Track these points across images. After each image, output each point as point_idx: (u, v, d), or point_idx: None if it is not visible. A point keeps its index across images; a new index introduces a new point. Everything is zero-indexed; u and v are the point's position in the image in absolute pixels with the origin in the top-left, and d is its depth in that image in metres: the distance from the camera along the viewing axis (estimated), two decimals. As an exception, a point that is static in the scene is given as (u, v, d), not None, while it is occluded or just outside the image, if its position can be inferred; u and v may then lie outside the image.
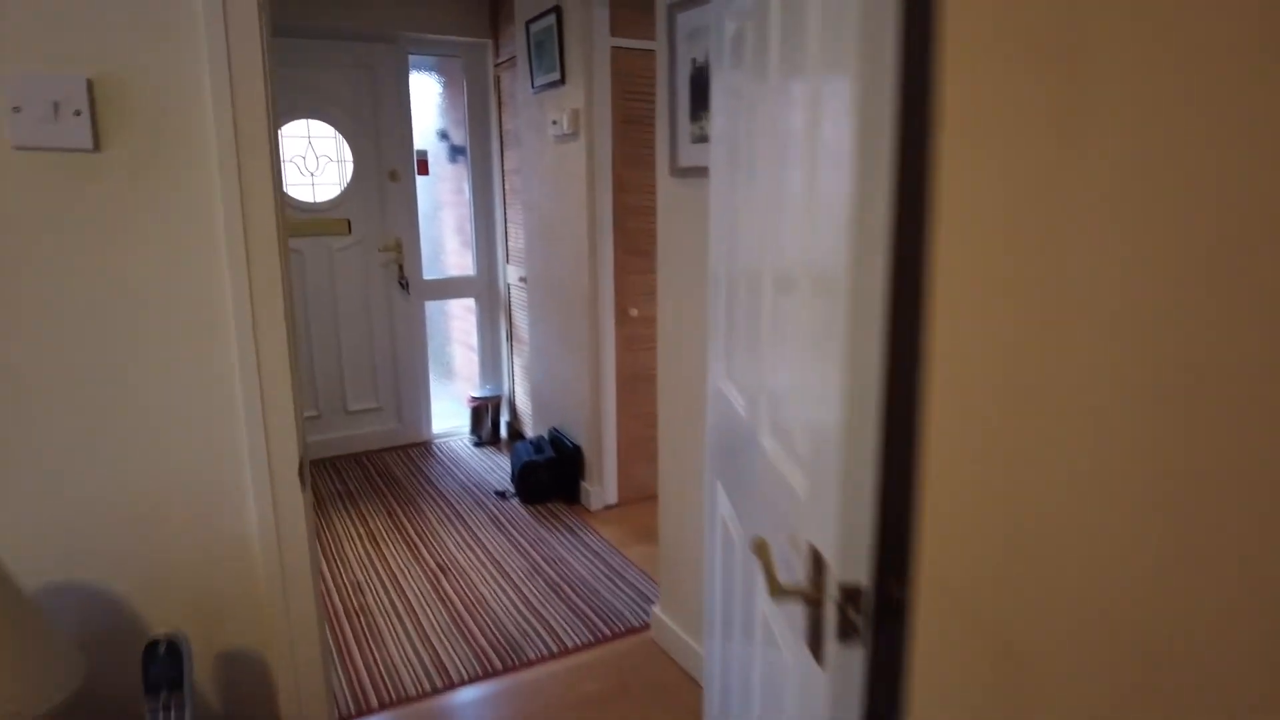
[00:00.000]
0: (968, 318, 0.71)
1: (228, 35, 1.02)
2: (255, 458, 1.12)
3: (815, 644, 0.88)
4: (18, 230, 0.96)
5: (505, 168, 4.09)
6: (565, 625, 2.49)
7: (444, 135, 4.24)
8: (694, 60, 1.92)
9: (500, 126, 4.08)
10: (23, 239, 0.96)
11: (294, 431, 1.15)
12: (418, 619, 2.55)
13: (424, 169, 4.14)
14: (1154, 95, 0.51)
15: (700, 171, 1.96)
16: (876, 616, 0.84)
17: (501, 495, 3.52)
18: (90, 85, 0.97)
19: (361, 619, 2.56)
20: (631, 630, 2.47)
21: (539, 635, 2.44)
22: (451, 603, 2.64)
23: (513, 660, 2.32)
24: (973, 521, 0.72)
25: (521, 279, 3.97)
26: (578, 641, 2.41)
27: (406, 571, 2.86)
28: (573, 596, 2.67)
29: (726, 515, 1.45)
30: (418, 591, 2.72)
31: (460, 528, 3.20)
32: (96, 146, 0.99)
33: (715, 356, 1.52)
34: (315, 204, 3.84)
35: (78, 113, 0.96)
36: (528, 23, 3.35)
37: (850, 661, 0.83)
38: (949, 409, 0.75)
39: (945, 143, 0.71)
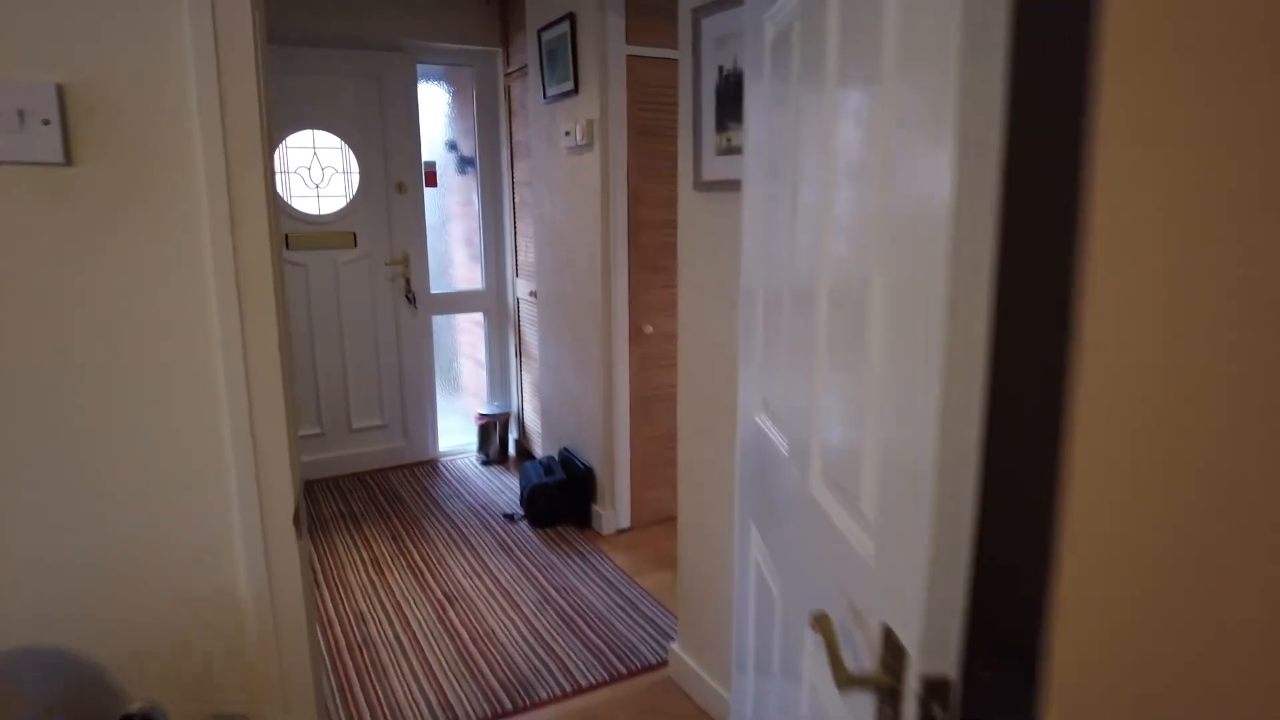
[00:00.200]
0: (1134, 346, 0.59)
1: (216, 39, 0.91)
2: (245, 507, 1.00)
3: (890, 741, 0.76)
4: (-17, 253, 0.86)
5: (515, 179, 3.99)
6: (579, 661, 2.36)
7: (453, 146, 4.14)
8: (720, 68, 1.81)
9: (511, 137, 3.98)
10: (-11, 262, 0.86)
11: (289, 475, 1.04)
12: (423, 653, 2.42)
13: (432, 181, 4.04)
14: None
15: (726, 185, 1.85)
16: (966, 711, 0.72)
17: (510, 518, 3.40)
18: (61, 92, 0.86)
19: (364, 653, 2.43)
20: (648, 667, 2.34)
21: (551, 673, 2.31)
22: (459, 636, 2.51)
23: (524, 700, 2.19)
24: (1143, 605, 0.59)
25: (531, 293, 3.86)
26: (592, 680, 2.28)
27: (411, 601, 2.74)
28: (586, 630, 2.54)
29: (762, 561, 1.32)
30: (423, 623, 2.59)
31: (467, 553, 3.08)
32: (69, 160, 0.88)
33: (748, 384, 1.40)
34: (320, 216, 3.74)
35: (46, 122, 0.86)
36: (540, 30, 3.26)
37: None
38: (1109, 454, 0.62)
39: (1105, 149, 0.59)
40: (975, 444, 0.66)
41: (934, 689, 0.70)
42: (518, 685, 2.25)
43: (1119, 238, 0.57)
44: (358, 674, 2.32)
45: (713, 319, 2.00)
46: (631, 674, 2.31)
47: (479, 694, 2.22)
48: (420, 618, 2.62)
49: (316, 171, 3.73)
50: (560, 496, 3.29)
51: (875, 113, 0.78)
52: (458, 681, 2.27)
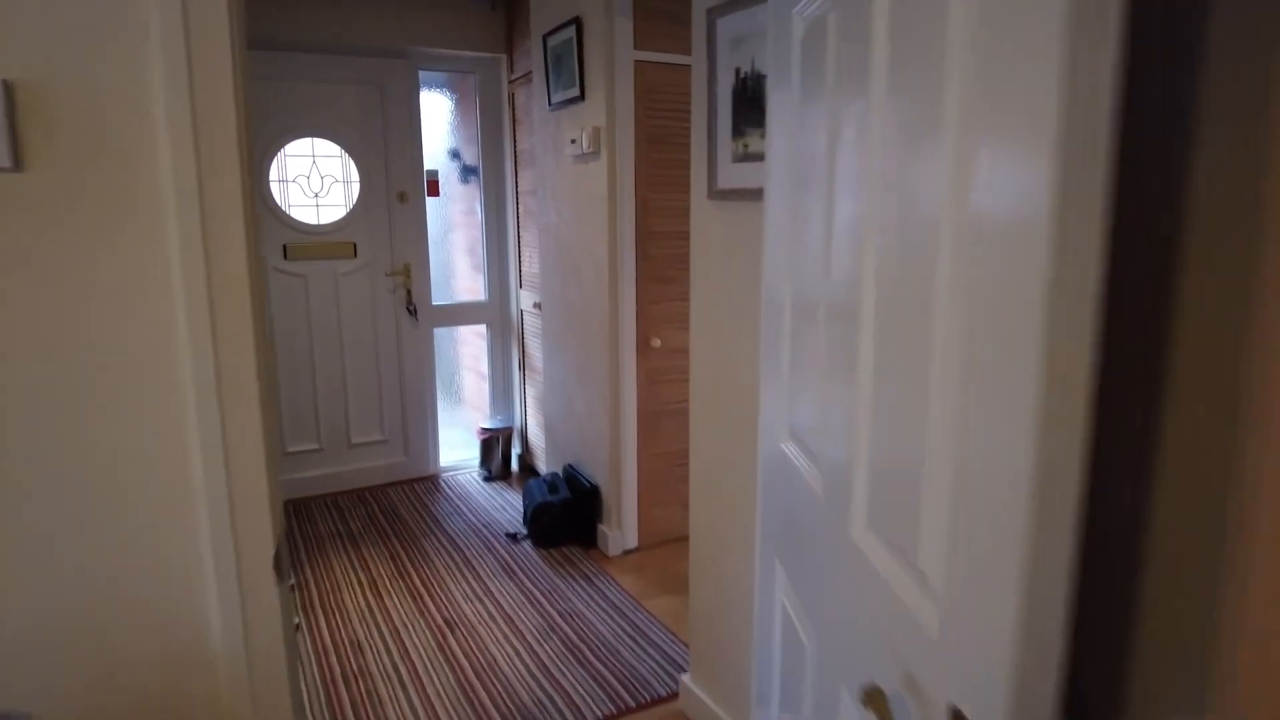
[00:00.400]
0: None
1: (187, 30, 0.81)
2: (219, 553, 0.89)
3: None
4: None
5: (519, 188, 3.89)
6: (584, 694, 2.25)
7: (455, 154, 4.05)
8: (738, 71, 1.71)
9: (514, 145, 3.89)
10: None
11: (268, 516, 0.93)
12: (422, 685, 2.30)
13: (434, 190, 3.95)
14: None
15: (743, 194, 1.75)
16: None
17: (513, 538, 3.28)
18: (9, 89, 0.76)
19: (360, 684, 2.32)
20: (658, 700, 2.22)
21: (556, 707, 2.19)
22: (459, 665, 2.40)
23: (527, 737, 2.07)
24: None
25: (535, 305, 3.75)
26: (599, 714, 2.16)
27: (410, 627, 2.62)
28: (592, 659, 2.42)
29: (790, 606, 1.21)
30: (422, 651, 2.48)
31: (469, 575, 2.97)
32: (17, 165, 0.78)
33: (772, 407, 1.29)
34: (320, 226, 3.65)
35: (-6, 123, 0.76)
36: (545, 36, 3.17)
37: None
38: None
39: None
40: (1075, 494, 0.55)
41: (1019, 791, 0.59)
42: (521, 720, 2.14)
43: None
44: (353, 707, 2.21)
45: (727, 334, 1.89)
46: (640, 707, 2.20)
47: (480, 730, 2.10)
48: (419, 646, 2.51)
49: (316, 180, 3.64)
50: (565, 516, 3.18)
51: (940, 115, 0.68)
52: (458, 715, 2.16)
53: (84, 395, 0.85)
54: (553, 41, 3.12)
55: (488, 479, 4.00)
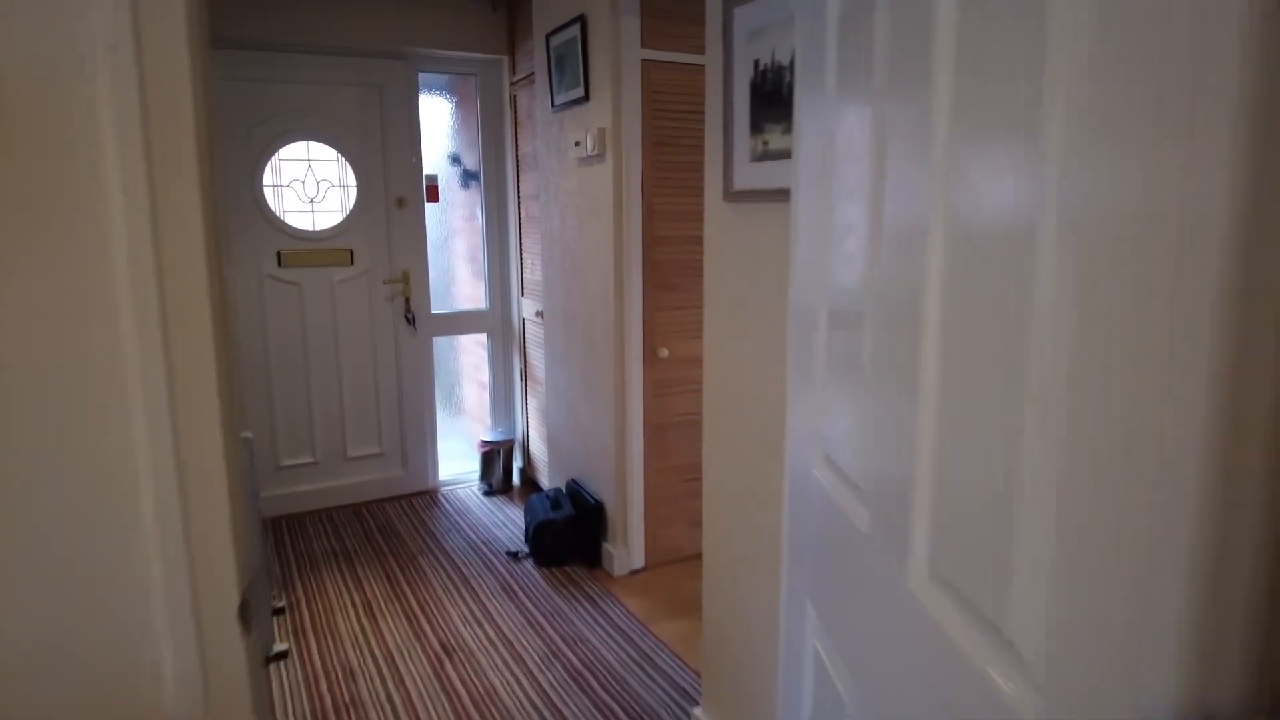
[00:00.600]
0: None
1: (136, 15, 0.70)
2: (173, 603, 0.77)
3: None
4: None
5: (521, 193, 3.78)
6: (590, 727, 2.12)
7: (456, 159, 3.94)
8: (756, 63, 1.59)
9: (516, 149, 3.78)
10: None
11: (232, 559, 0.81)
12: (417, 716, 2.17)
13: (434, 195, 3.84)
14: None
15: (762, 195, 1.62)
16: None
17: (514, 556, 3.15)
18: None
19: (351, 714, 2.19)
20: (668, 734, 2.09)
21: (559, 741, 2.06)
22: (457, 694, 2.26)
23: (528, 776, 1.94)
24: None
25: (538, 313, 3.63)
26: (605, 750, 2.03)
27: (406, 652, 2.49)
28: (597, 689, 2.29)
29: (823, 651, 1.08)
30: (418, 679, 2.34)
31: (467, 596, 2.84)
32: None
33: (802, 427, 1.16)
34: (315, 232, 3.53)
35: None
36: (548, 35, 3.06)
37: None
38: None
39: None
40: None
41: None
42: (522, 757, 2.00)
43: None
44: (343, 742, 2.08)
45: (744, 344, 1.77)
46: (650, 743, 2.06)
47: (478, 768, 1.97)
48: (415, 673, 2.38)
49: (311, 185, 3.53)
50: (568, 533, 3.05)
51: (1025, 101, 0.55)
52: (455, 752, 2.03)
53: (12, 420, 0.73)
54: (556, 41, 3.01)
55: (488, 493, 3.87)
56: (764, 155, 1.60)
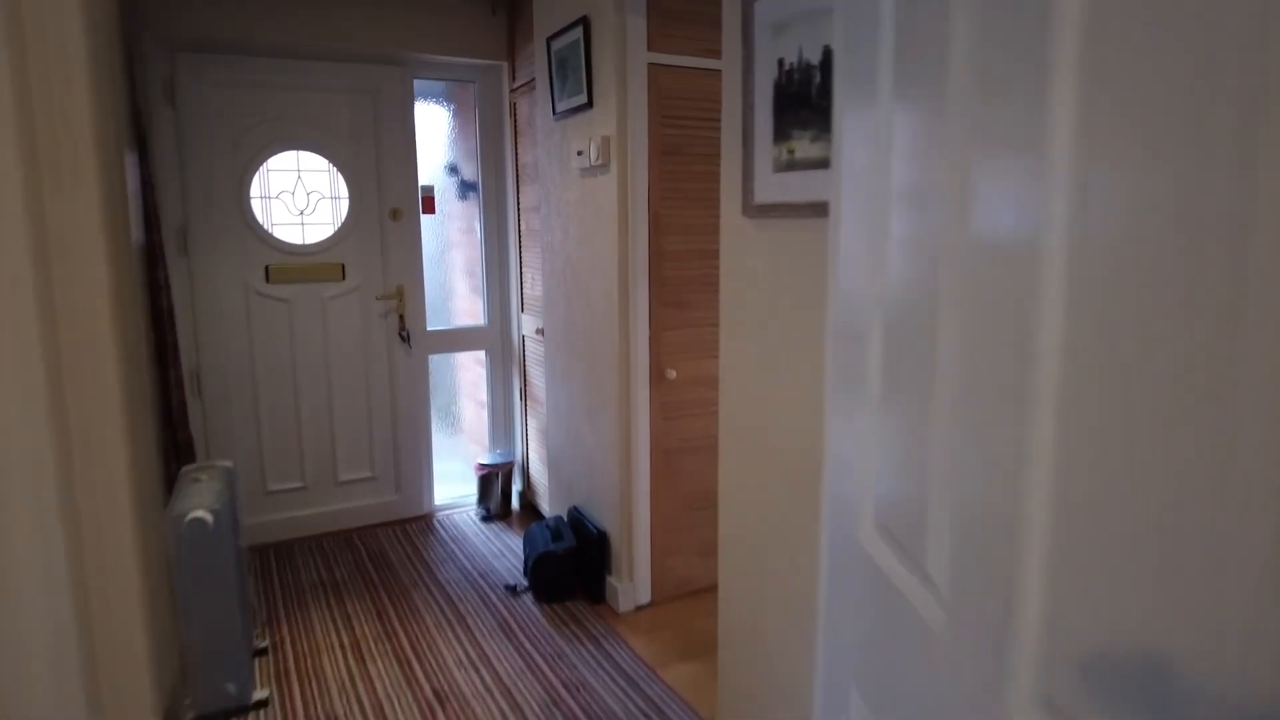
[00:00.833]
0: None
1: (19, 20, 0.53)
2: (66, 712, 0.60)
3: None
4: None
5: (521, 205, 3.62)
6: (594, 790, 1.93)
7: (453, 169, 3.78)
8: (781, 62, 1.43)
9: (516, 158, 3.62)
10: None
11: (146, 671, 0.63)
12: (405, 777, 1.99)
13: (430, 207, 3.68)
14: None
15: (788, 210, 1.45)
16: None
17: (512, 590, 2.97)
18: None
19: (334, 774, 2.00)
20: (680, 798, 1.90)
21: (560, 808, 1.87)
22: (449, 751, 2.08)
23: None
24: None
25: (538, 331, 3.46)
26: (611, 817, 1.84)
27: (396, 700, 2.31)
28: (602, 744, 2.10)
29: (877, 758, 0.90)
30: (407, 733, 2.16)
31: (462, 636, 2.65)
32: None
33: (846, 480, 0.98)
34: (305, 246, 3.37)
35: None
36: (549, 39, 2.90)
37: None
38: None
39: None
40: None
41: None
42: (519, 826, 1.82)
43: None
44: (323, 807, 1.89)
45: (767, 374, 1.60)
46: (660, 809, 1.88)
47: (471, 839, 1.78)
48: (404, 725, 2.19)
49: (301, 197, 3.37)
50: (570, 566, 2.87)
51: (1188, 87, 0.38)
52: (445, 820, 1.84)
53: None
54: (557, 45, 2.85)
55: (486, 519, 3.69)
56: (789, 165, 1.43)
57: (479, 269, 3.83)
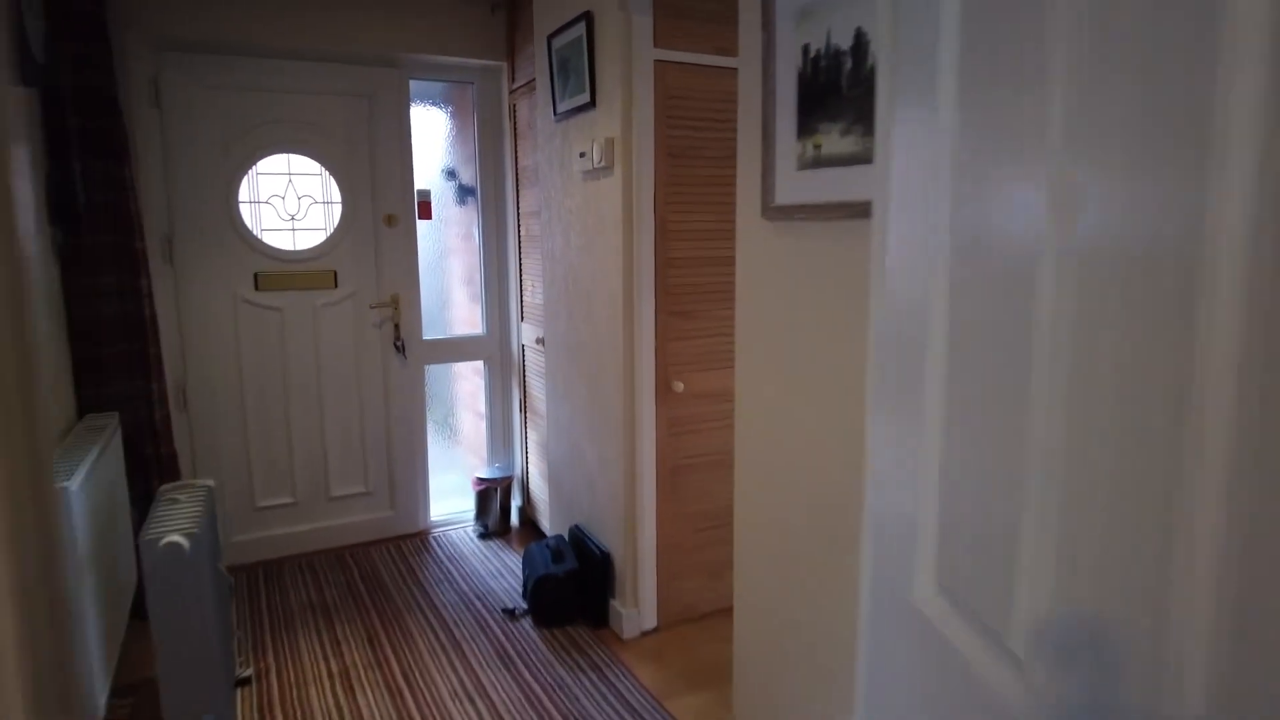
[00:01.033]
0: None
1: None
2: None
3: None
4: None
5: (521, 210, 3.49)
6: (598, 840, 1.78)
7: (451, 174, 3.66)
8: (805, 49, 1.29)
9: (516, 162, 3.49)
10: None
11: (15, 690, 0.50)
12: (394, 824, 1.84)
13: (426, 212, 3.55)
14: None
15: (812, 211, 1.32)
16: None
17: (511, 614, 2.83)
18: None
19: (317, 821, 1.86)
20: None
21: None
22: (441, 794, 1.93)
23: None
24: None
25: (538, 340, 3.33)
26: None
27: (385, 736, 2.16)
28: (607, 787, 1.96)
29: None
30: (397, 773, 2.02)
31: (458, 664, 2.51)
32: None
33: (896, 524, 0.85)
34: (296, 253, 3.24)
35: None
36: (549, 36, 2.78)
37: None
38: None
39: None
40: None
41: None
42: None
43: None
44: None
45: (788, 389, 1.46)
46: None
47: None
48: (394, 764, 2.05)
49: (292, 201, 3.24)
50: (571, 589, 2.73)
51: None
52: None
53: None
54: (559, 42, 2.72)
55: (484, 535, 3.55)
56: (815, 162, 1.30)
57: (477, 276, 3.70)
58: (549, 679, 2.41)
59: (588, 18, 2.52)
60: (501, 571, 3.17)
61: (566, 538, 2.97)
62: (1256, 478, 0.39)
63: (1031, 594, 0.59)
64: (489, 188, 3.62)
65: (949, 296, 0.72)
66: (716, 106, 2.56)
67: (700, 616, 2.79)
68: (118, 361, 2.69)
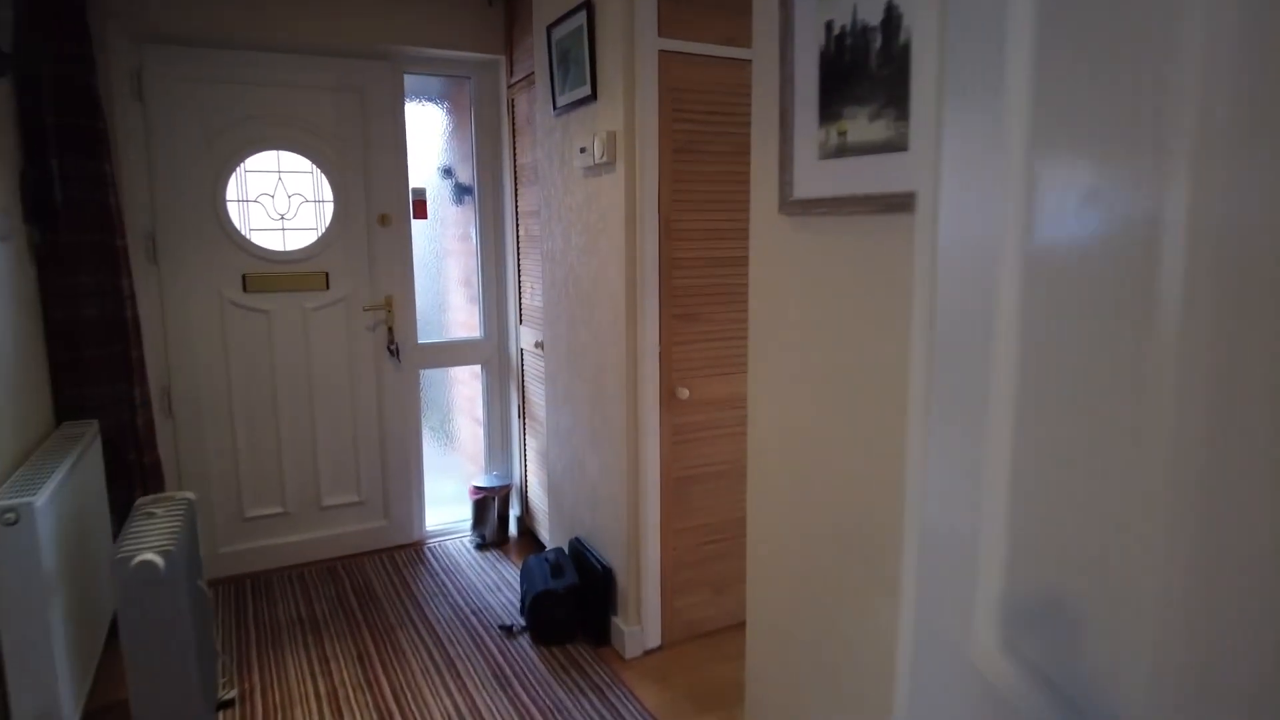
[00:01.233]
0: None
1: None
2: None
3: None
4: None
5: (520, 209, 3.37)
6: None
7: (448, 172, 3.54)
8: (829, 25, 1.18)
9: (514, 159, 3.38)
10: None
11: None
12: None
13: (421, 211, 3.43)
14: None
15: (835, 204, 1.20)
16: None
17: (508, 631, 2.70)
18: None
19: None
20: None
21: None
22: (432, 829, 1.81)
23: None
24: None
25: (537, 344, 3.21)
26: None
27: (373, 764, 2.04)
28: (608, 822, 1.83)
29: None
30: (385, 806, 1.89)
31: (452, 685, 2.39)
32: None
33: (949, 560, 0.73)
34: (286, 253, 3.12)
35: None
36: (549, 27, 2.66)
37: None
38: None
39: None
40: None
41: None
42: None
43: None
44: None
45: (808, 400, 1.34)
46: None
47: None
48: (382, 796, 1.93)
49: (282, 200, 3.12)
50: (571, 605, 2.60)
51: None
52: None
53: None
54: (558, 33, 2.61)
55: (480, 546, 3.43)
56: (840, 150, 1.18)
57: (475, 278, 3.59)
58: (547, 701, 2.29)
59: (589, 6, 2.41)
60: (499, 585, 3.05)
61: (566, 551, 2.85)
62: None
63: (1132, 659, 0.47)
64: (487, 186, 3.51)
65: (1024, 296, 0.60)
66: (724, 99, 2.45)
67: (706, 634, 2.66)
68: (98, 365, 2.57)
